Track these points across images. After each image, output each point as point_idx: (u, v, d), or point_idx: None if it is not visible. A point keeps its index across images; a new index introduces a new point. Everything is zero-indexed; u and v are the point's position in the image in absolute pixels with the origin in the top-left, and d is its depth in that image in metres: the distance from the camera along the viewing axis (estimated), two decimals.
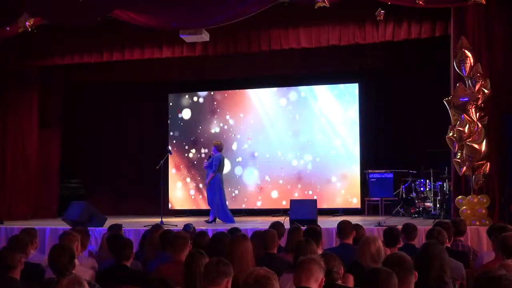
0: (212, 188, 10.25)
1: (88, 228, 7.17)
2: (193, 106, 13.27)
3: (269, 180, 12.68)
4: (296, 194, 12.14)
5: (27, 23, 9.31)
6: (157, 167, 10.06)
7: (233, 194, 12.79)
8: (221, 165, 10.39)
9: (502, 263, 3.67)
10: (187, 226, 7.00)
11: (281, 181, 12.61)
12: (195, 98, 13.32)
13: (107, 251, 5.21)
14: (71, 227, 7.43)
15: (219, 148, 10.41)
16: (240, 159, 12.86)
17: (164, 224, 8.85)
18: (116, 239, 4.93)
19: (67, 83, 12.76)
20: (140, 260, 5.30)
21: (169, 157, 11.37)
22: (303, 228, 6.02)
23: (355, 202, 12.11)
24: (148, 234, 5.92)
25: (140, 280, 4.47)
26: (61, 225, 9.29)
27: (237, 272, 3.52)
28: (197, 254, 3.89)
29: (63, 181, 12.96)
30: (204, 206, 12.60)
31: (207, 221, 10.21)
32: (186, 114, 13.30)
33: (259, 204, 12.67)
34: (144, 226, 8.94)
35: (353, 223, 5.92)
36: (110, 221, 8.51)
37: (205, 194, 12.82)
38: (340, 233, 5.58)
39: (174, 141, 13.10)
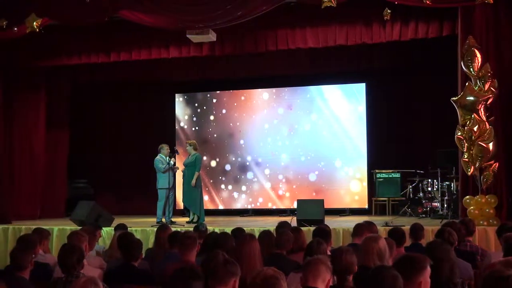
0: (196, 187, 10.22)
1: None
2: (200, 106, 13.28)
3: (276, 179, 12.68)
4: (303, 194, 12.12)
5: (35, 24, 9.35)
6: (164, 168, 10.08)
7: (240, 194, 12.81)
8: (202, 164, 10.51)
9: (507, 259, 3.63)
10: (200, 225, 6.97)
11: (288, 181, 12.60)
12: (202, 98, 13.34)
13: (117, 250, 5.22)
14: (80, 227, 7.43)
15: (195, 147, 10.41)
16: (248, 158, 12.87)
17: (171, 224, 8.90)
18: (126, 239, 4.93)
19: (74, 83, 12.78)
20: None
21: (176, 157, 11.37)
22: (312, 228, 6.04)
23: (362, 202, 12.10)
24: (158, 234, 5.91)
25: (148, 279, 4.49)
26: (68, 225, 9.33)
27: (244, 272, 3.51)
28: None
29: (71, 181, 13.00)
30: (210, 206, 12.62)
31: (188, 222, 10.06)
32: (193, 114, 13.31)
33: (266, 204, 12.66)
34: (152, 226, 8.98)
35: (363, 221, 5.97)
36: (117, 221, 8.55)
37: (212, 195, 12.89)
38: (352, 233, 5.68)
39: (181, 142, 13.09)
